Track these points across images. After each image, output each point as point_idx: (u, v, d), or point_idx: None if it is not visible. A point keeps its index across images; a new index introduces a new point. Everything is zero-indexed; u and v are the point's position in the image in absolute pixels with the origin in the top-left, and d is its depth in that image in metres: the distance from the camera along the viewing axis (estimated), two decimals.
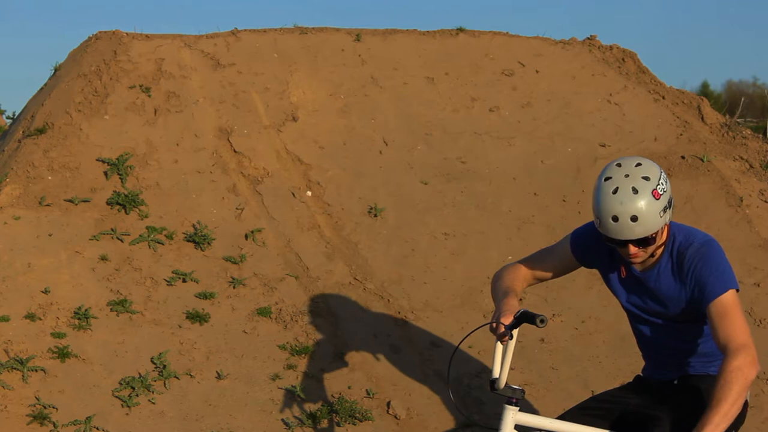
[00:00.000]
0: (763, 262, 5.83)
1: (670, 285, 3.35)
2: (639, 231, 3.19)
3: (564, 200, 6.27)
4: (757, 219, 6.12)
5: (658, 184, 3.20)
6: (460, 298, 5.69)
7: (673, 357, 3.46)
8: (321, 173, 6.35)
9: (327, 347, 5.31)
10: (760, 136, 6.95)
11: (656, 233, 3.26)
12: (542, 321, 3.14)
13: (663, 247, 3.35)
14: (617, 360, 5.26)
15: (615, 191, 3.19)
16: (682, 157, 6.51)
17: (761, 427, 4.95)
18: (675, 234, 3.36)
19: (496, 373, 3.28)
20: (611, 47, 7.38)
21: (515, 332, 3.27)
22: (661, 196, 3.20)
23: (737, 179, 6.39)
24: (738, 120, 7.24)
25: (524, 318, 3.22)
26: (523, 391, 3.29)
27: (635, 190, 3.18)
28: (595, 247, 3.49)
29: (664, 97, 7.04)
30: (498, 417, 3.32)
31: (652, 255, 3.35)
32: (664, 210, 3.21)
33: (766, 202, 6.27)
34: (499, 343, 3.31)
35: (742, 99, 7.71)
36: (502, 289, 3.49)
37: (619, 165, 3.24)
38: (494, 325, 3.32)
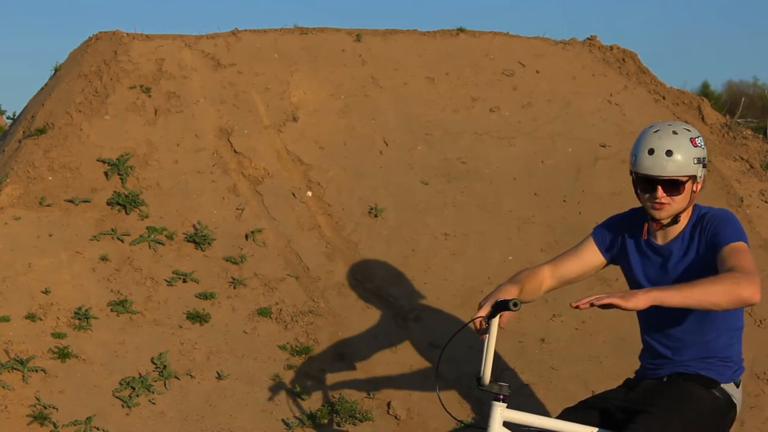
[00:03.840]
0: (763, 262, 5.82)
1: (692, 246, 3.42)
2: (671, 167, 3.33)
3: (564, 200, 6.27)
4: (758, 219, 6.12)
5: (698, 137, 3.39)
6: (460, 298, 5.69)
7: (671, 348, 3.47)
8: (321, 173, 6.35)
9: (327, 347, 5.31)
10: (761, 136, 6.95)
11: (686, 181, 3.36)
12: (515, 304, 3.14)
13: (687, 221, 3.45)
14: (617, 360, 5.26)
15: (656, 131, 3.40)
16: None
17: (761, 427, 4.95)
18: (700, 209, 3.49)
19: (482, 370, 3.27)
20: (611, 47, 7.37)
21: (495, 324, 3.24)
22: (698, 148, 3.37)
23: (737, 179, 6.39)
24: (738, 120, 7.24)
25: (499, 306, 3.21)
26: (509, 387, 3.28)
27: (675, 132, 3.38)
28: (615, 227, 3.61)
29: (664, 98, 7.04)
30: (487, 415, 3.32)
31: (675, 219, 3.41)
32: (698, 161, 3.37)
33: (766, 202, 6.27)
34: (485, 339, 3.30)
35: (743, 99, 7.70)
36: (497, 288, 3.51)
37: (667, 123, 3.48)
38: (475, 322, 3.32)
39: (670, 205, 3.40)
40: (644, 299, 3.08)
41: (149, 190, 6.00)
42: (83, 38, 7.66)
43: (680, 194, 3.38)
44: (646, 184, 3.41)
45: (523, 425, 3.35)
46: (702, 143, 3.40)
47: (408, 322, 5.53)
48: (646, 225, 3.51)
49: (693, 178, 3.38)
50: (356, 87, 6.83)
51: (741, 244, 3.30)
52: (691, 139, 3.37)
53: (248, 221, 5.97)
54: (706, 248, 3.38)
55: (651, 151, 3.36)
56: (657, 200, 3.39)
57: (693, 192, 3.41)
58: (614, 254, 3.63)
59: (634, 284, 3.57)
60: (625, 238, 3.58)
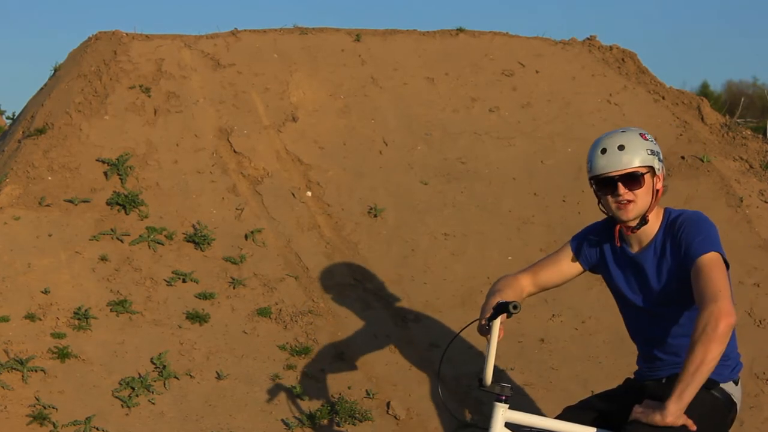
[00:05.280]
0: (763, 262, 5.83)
1: (665, 256, 3.41)
2: (626, 160, 3.37)
3: (564, 200, 6.28)
4: (757, 219, 6.12)
5: (647, 134, 3.45)
6: (460, 298, 5.69)
7: (664, 352, 3.47)
8: (321, 173, 6.35)
9: (327, 347, 5.31)
10: (760, 136, 6.96)
11: (645, 173, 3.37)
12: (515, 307, 3.17)
13: (659, 227, 3.44)
14: (617, 360, 5.26)
15: (605, 135, 3.50)
16: (682, 158, 6.52)
17: (761, 427, 4.95)
18: (670, 212, 3.48)
19: (484, 371, 3.29)
20: (611, 47, 7.38)
21: (497, 325, 3.27)
22: (649, 141, 3.42)
23: (737, 179, 6.39)
24: (738, 120, 7.24)
25: (500, 308, 3.25)
26: (511, 388, 3.29)
27: (623, 131, 3.46)
28: (593, 237, 3.60)
29: (664, 98, 7.04)
30: (488, 416, 3.32)
31: (644, 220, 3.40)
32: (652, 153, 3.40)
33: (766, 202, 6.27)
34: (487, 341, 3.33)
35: (742, 99, 7.70)
36: (489, 294, 3.56)
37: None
38: (479, 323, 3.38)
39: (634, 202, 3.39)
40: (678, 410, 3.11)
41: (149, 190, 6.00)
42: (83, 38, 7.67)
43: (641, 188, 3.37)
44: (606, 185, 3.41)
45: (524, 426, 3.35)
46: (652, 139, 3.44)
47: (407, 322, 5.53)
48: (617, 228, 3.50)
49: (651, 170, 3.39)
50: (356, 87, 6.83)
51: (712, 256, 3.28)
52: (640, 134, 3.42)
53: (248, 221, 5.97)
54: (679, 265, 3.36)
55: (604, 151, 3.41)
56: (620, 198, 3.39)
57: (655, 189, 3.40)
58: (593, 264, 3.63)
59: (619, 296, 3.57)
60: (603, 248, 3.58)
